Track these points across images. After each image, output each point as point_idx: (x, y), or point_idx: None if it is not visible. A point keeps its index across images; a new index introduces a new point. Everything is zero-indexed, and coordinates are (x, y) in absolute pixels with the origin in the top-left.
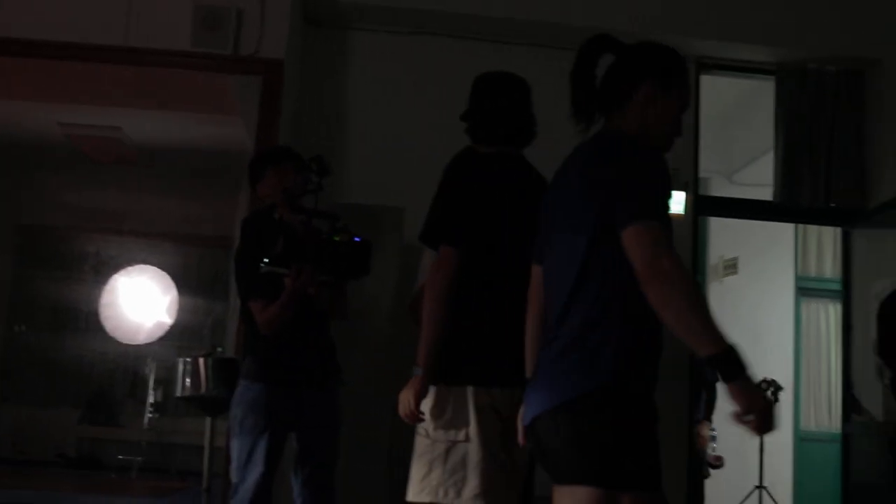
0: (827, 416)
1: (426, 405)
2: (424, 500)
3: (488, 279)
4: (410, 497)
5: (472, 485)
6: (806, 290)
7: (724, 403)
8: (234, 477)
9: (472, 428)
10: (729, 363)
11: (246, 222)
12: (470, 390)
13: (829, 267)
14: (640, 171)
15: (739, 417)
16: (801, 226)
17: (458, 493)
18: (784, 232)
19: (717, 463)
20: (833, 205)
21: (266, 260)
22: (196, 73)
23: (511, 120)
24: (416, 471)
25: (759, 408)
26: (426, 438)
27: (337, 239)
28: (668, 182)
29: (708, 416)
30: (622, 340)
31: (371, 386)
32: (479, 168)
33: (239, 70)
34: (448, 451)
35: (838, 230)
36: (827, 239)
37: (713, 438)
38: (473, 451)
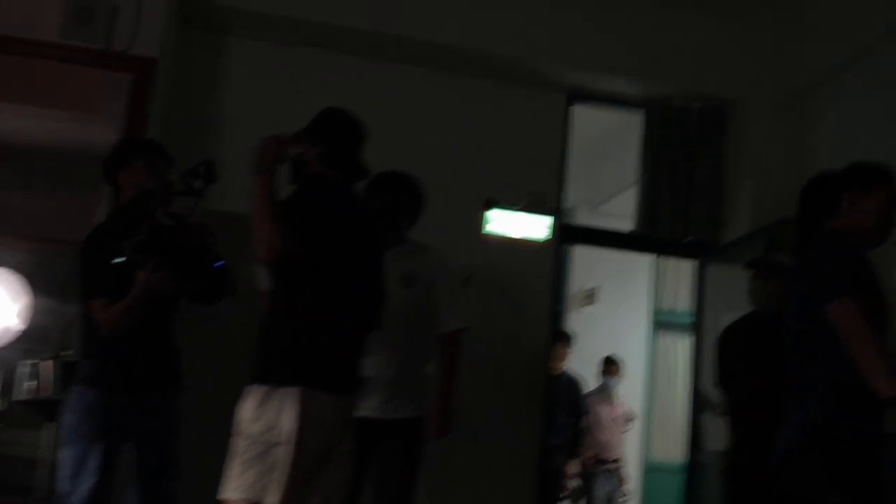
0: (675, 446)
1: (249, 405)
2: (235, 497)
3: (322, 290)
4: (222, 494)
5: (278, 489)
6: (661, 322)
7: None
8: (62, 487)
9: (292, 432)
10: None
11: (113, 211)
12: (294, 393)
13: (683, 301)
14: None
15: None
16: (659, 259)
17: (266, 495)
18: (643, 265)
19: (569, 494)
20: (690, 238)
21: (125, 247)
22: (62, 66)
23: (349, 155)
24: (232, 469)
25: None
26: (245, 439)
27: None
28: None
29: (575, 454)
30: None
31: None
32: (324, 190)
33: (109, 66)
34: (264, 453)
35: (694, 264)
36: (683, 273)
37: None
38: (287, 455)
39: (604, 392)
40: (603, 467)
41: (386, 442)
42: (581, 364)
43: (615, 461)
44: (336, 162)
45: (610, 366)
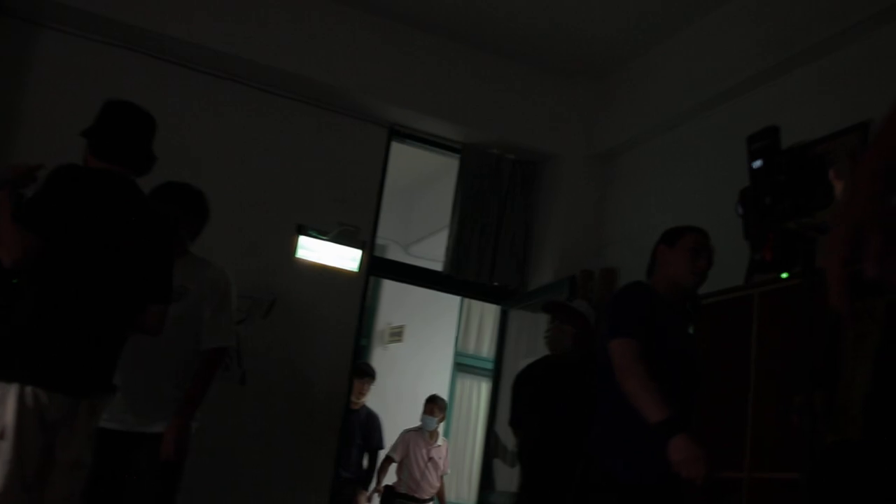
0: (468, 487)
1: None
2: None
3: (59, 283)
4: None
5: None
6: (463, 365)
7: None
8: None
9: (10, 427)
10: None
11: None
12: (14, 388)
13: (486, 346)
14: None
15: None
16: (465, 303)
17: None
18: (449, 307)
19: None
20: (496, 283)
21: None
22: None
23: (126, 145)
24: None
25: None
26: None
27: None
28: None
29: (367, 486)
30: None
31: None
32: (78, 177)
33: None
34: None
35: (497, 309)
36: (487, 319)
37: None
38: (6, 450)
39: (422, 430)
40: None
41: (133, 456)
42: (382, 401)
43: (425, 501)
44: (107, 153)
45: (430, 404)
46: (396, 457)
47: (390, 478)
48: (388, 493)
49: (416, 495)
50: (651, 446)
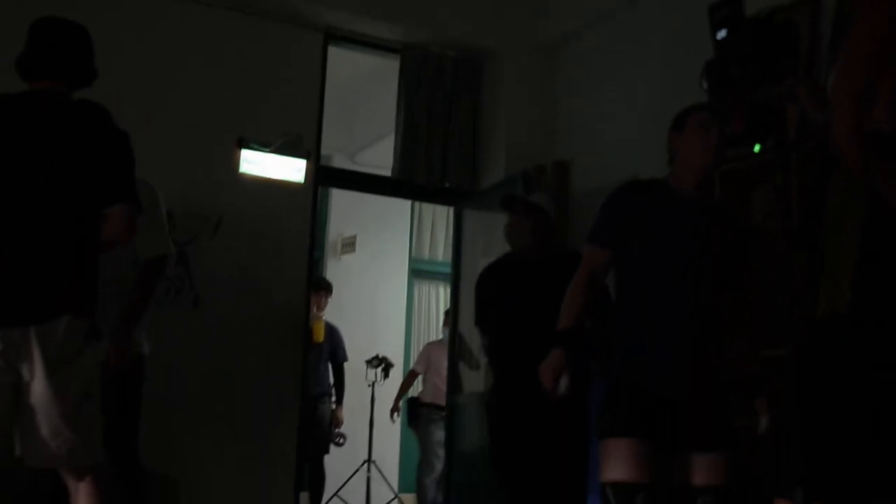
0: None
1: None
2: None
3: None
4: None
5: None
6: (419, 271)
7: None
8: None
9: None
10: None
11: None
12: None
13: (441, 250)
14: None
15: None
16: (416, 209)
17: None
18: (401, 214)
19: (341, 441)
20: (447, 185)
21: None
22: None
23: (47, 59)
24: None
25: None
26: None
27: None
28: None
29: (342, 400)
30: None
31: None
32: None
33: None
34: None
35: (451, 211)
36: (440, 222)
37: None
38: None
39: (442, 342)
40: (440, 414)
41: None
42: (340, 313)
43: None
44: (27, 71)
45: (448, 317)
46: (420, 369)
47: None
48: (414, 404)
49: (441, 404)
50: (642, 348)
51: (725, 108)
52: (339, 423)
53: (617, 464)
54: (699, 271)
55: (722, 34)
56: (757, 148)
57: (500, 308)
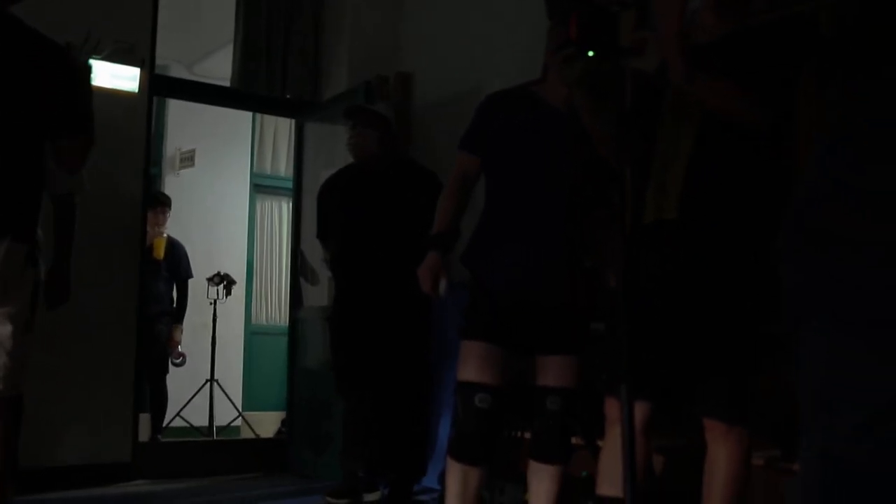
0: (277, 310)
1: None
2: None
3: None
4: None
5: None
6: (261, 186)
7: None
8: None
9: None
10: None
11: None
12: None
13: (283, 165)
14: None
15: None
16: (258, 122)
17: None
18: (242, 127)
19: (180, 360)
20: (289, 96)
21: None
22: None
23: None
24: None
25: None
26: None
27: None
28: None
29: (180, 319)
30: None
31: None
32: None
33: None
34: None
35: (293, 123)
36: (282, 137)
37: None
38: None
39: None
40: None
41: None
42: (180, 230)
43: None
44: None
45: None
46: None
47: None
48: None
49: None
50: (500, 253)
51: (561, 11)
52: (175, 343)
53: (465, 364)
54: (560, 181)
55: None
56: (591, 53)
57: (343, 220)
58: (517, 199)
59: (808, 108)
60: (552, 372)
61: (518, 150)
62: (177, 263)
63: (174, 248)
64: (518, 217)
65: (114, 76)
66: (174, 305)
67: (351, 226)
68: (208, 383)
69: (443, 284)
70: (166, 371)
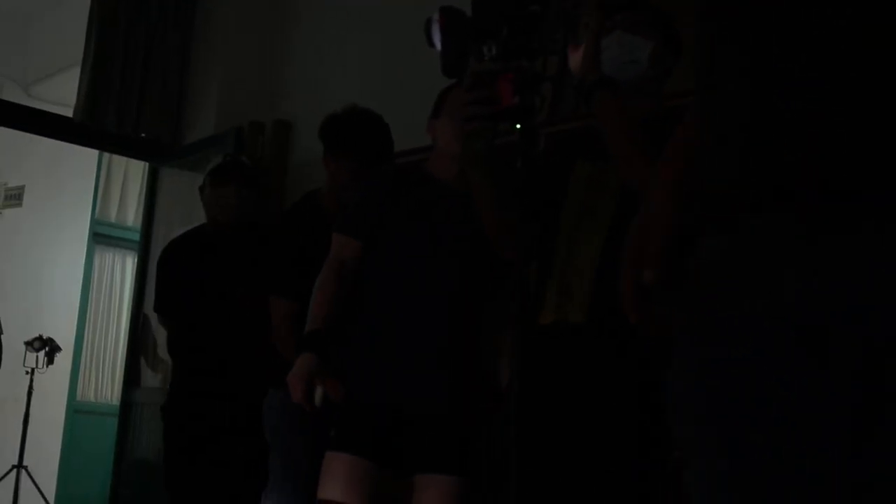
0: (110, 385)
1: None
2: None
3: None
4: None
5: None
6: (103, 236)
7: None
8: None
9: None
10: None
11: None
12: None
13: (131, 214)
14: None
15: None
16: (104, 162)
17: None
18: (84, 166)
19: None
20: (143, 135)
21: None
22: None
23: None
24: None
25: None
26: None
27: None
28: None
29: None
30: None
31: None
32: None
33: None
34: None
35: (146, 167)
36: (132, 181)
37: None
38: None
39: None
40: None
41: None
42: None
43: None
44: None
45: None
46: None
47: None
48: None
49: None
50: (377, 358)
51: (483, 76)
52: None
53: (326, 480)
54: (447, 274)
55: None
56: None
57: (186, 292)
58: (396, 294)
59: None
60: (432, 496)
61: (399, 239)
62: None
63: None
64: (399, 315)
65: None
66: None
67: (192, 298)
68: (14, 470)
69: (318, 393)
70: None
